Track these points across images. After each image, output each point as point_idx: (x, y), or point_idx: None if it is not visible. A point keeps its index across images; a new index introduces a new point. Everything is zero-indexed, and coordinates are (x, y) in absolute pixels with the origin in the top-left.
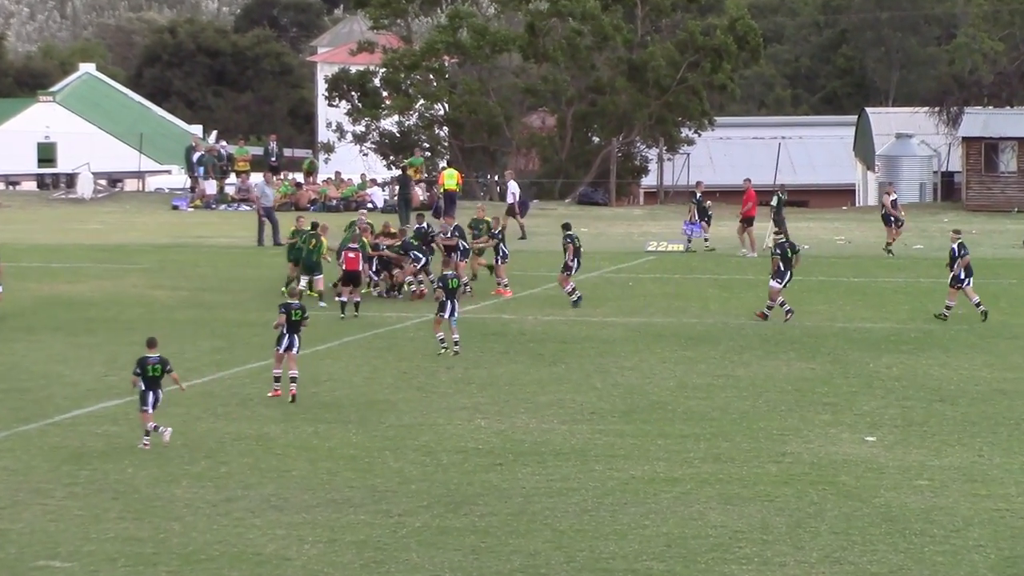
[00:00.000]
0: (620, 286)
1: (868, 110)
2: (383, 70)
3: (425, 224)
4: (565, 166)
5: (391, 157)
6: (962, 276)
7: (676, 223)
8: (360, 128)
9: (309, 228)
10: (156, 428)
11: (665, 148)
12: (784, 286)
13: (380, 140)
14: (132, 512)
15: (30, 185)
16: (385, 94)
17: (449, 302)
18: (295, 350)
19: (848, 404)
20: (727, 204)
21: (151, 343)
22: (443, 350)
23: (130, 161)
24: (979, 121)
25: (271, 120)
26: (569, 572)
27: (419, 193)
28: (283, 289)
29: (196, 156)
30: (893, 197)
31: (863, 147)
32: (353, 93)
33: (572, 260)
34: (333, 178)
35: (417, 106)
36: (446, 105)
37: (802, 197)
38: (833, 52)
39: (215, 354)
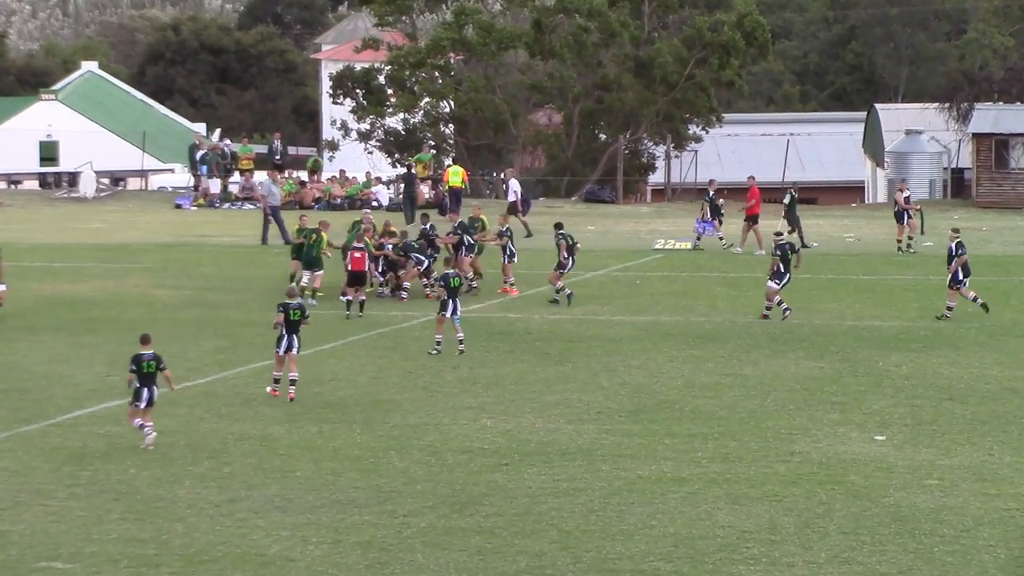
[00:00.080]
0: (627, 284)
1: (877, 106)
2: (388, 67)
3: (428, 225)
4: (571, 164)
5: (396, 155)
6: (960, 276)
7: (684, 221)
8: (365, 126)
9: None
10: (142, 427)
11: (672, 145)
12: (782, 287)
13: (385, 138)
14: (134, 513)
15: (32, 184)
16: (390, 91)
17: (451, 301)
18: (295, 351)
19: (857, 403)
20: (735, 202)
21: (145, 339)
22: (435, 351)
23: (133, 160)
24: (989, 117)
25: (275, 118)
26: (575, 573)
27: (424, 191)
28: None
29: (199, 155)
30: (906, 194)
31: (872, 144)
32: (358, 91)
33: (566, 258)
34: (338, 176)
35: (422, 104)
36: (451, 102)
37: (811, 194)
38: (842, 48)
39: (218, 354)
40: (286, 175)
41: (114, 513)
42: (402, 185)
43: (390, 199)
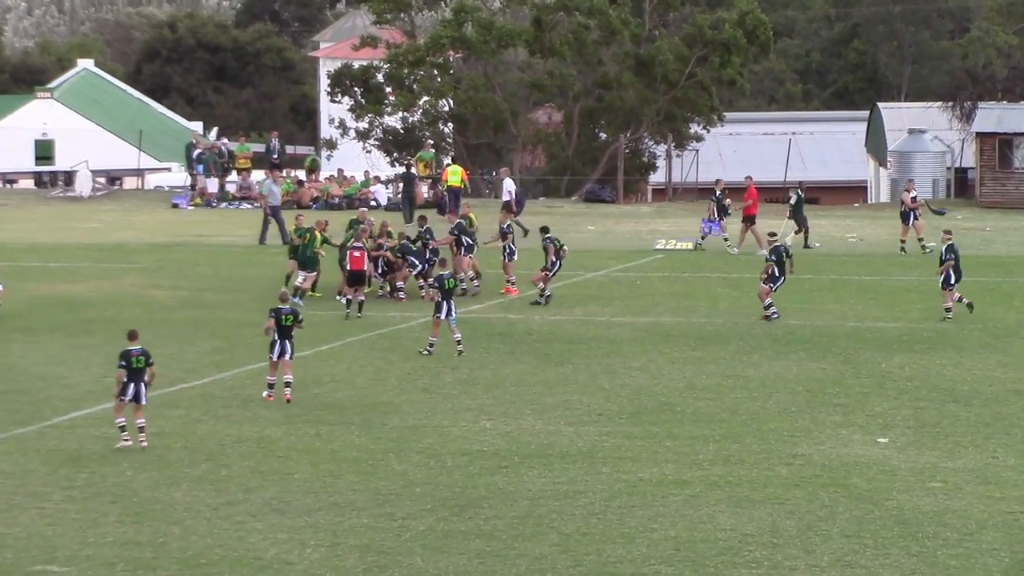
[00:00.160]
0: (628, 285)
1: (880, 105)
2: (386, 66)
3: (425, 228)
4: (572, 163)
5: (395, 154)
6: (952, 279)
7: (685, 221)
8: (363, 125)
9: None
10: (123, 428)
11: (673, 144)
12: (775, 289)
13: (384, 137)
14: (131, 516)
15: (27, 183)
16: (388, 90)
17: (445, 302)
18: (287, 356)
19: (860, 405)
20: (734, 202)
21: (132, 335)
22: (427, 351)
23: (129, 158)
24: (993, 116)
25: (272, 116)
26: None
27: (423, 190)
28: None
29: (195, 154)
30: (913, 194)
31: (875, 143)
32: (356, 89)
33: (553, 262)
34: (336, 175)
35: (421, 102)
36: (451, 101)
37: (813, 194)
38: (844, 46)
39: (215, 355)
40: (284, 174)
41: (111, 516)
42: (401, 184)
43: (388, 199)
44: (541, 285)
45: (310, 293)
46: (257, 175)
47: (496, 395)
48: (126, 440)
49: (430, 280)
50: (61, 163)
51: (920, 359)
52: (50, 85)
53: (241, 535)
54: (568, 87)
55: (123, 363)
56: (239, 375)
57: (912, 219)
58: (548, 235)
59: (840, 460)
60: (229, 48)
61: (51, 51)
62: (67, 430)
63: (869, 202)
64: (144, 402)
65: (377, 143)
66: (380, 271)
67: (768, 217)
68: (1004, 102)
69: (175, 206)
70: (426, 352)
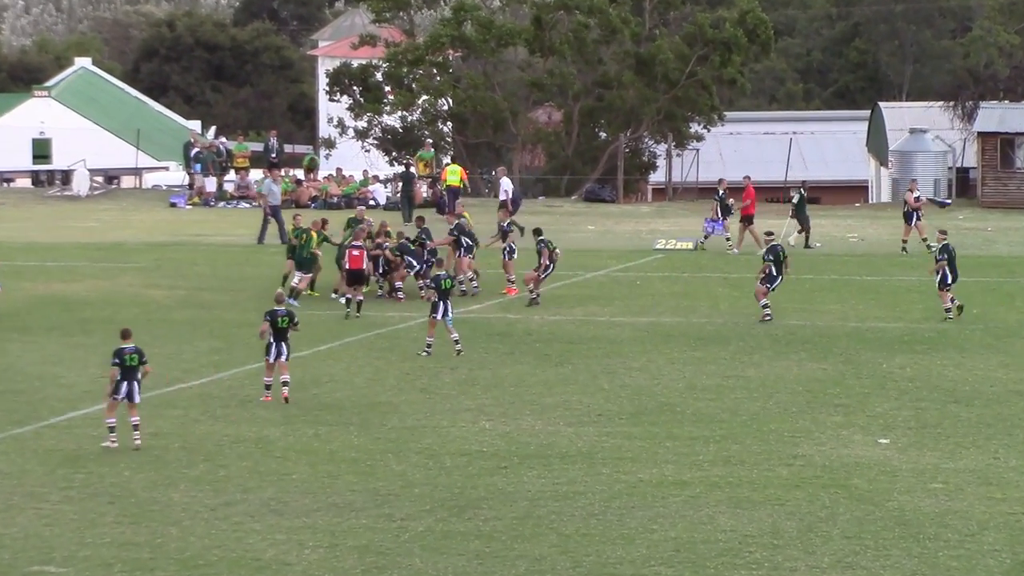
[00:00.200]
0: (628, 285)
1: (881, 105)
2: (385, 64)
3: (422, 229)
4: (571, 162)
5: (393, 153)
6: (948, 280)
7: (685, 220)
8: (362, 124)
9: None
10: (112, 428)
11: (674, 144)
12: (772, 289)
13: (382, 136)
14: (128, 516)
15: (25, 182)
16: (387, 89)
17: (442, 303)
18: (284, 358)
19: (861, 405)
20: (736, 201)
21: (125, 334)
22: (425, 352)
23: (127, 157)
24: (995, 116)
25: (271, 115)
26: None
27: (422, 190)
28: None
29: (193, 152)
30: (916, 194)
31: (876, 142)
32: (355, 88)
33: (548, 265)
34: (334, 175)
35: (420, 101)
36: (450, 100)
37: (814, 194)
38: (846, 46)
39: (213, 355)
40: (282, 174)
41: (108, 516)
42: (400, 184)
43: (387, 198)
44: (531, 286)
45: (308, 292)
46: (255, 174)
47: (495, 395)
48: (113, 442)
49: (427, 280)
50: (58, 162)
51: (921, 359)
52: (47, 84)
53: (239, 536)
54: (568, 86)
55: (116, 361)
56: (237, 375)
57: (915, 219)
58: (541, 238)
59: (841, 461)
60: (227, 47)
61: (48, 49)
62: (64, 430)
63: (870, 202)
64: (138, 400)
65: (376, 142)
66: (381, 271)
67: (769, 217)
68: (1006, 102)
69: (173, 205)
70: (424, 353)
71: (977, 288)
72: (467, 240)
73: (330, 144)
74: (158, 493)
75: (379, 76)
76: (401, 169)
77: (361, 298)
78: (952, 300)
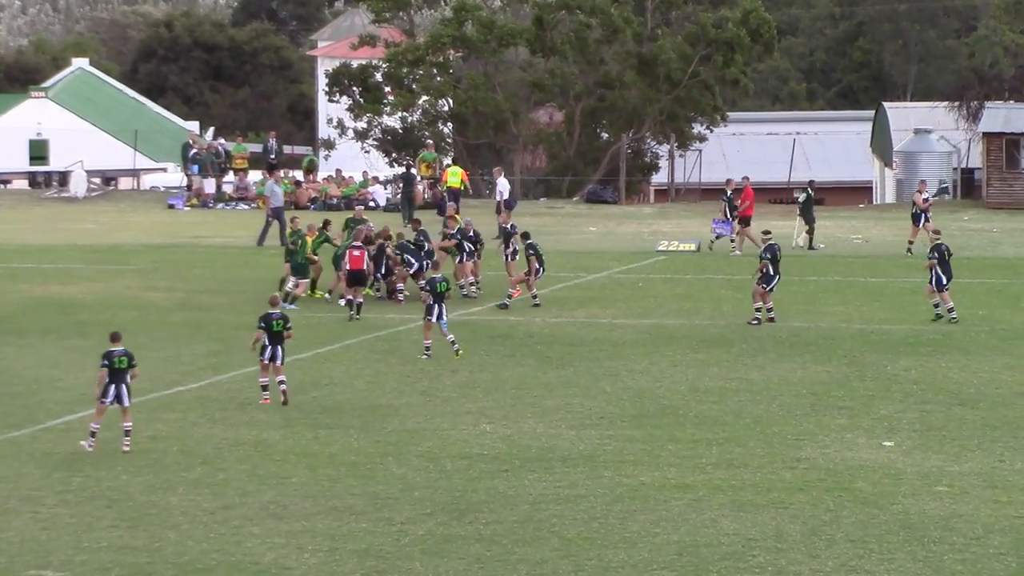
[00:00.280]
0: (630, 287)
1: (886, 105)
2: (385, 65)
3: (419, 231)
4: (573, 163)
5: (393, 154)
6: (944, 280)
7: (688, 222)
8: (362, 124)
9: (316, 228)
10: (94, 433)
11: (676, 144)
12: (770, 289)
13: (382, 137)
14: (126, 520)
15: (21, 183)
16: (387, 89)
17: (436, 305)
18: (279, 361)
19: (865, 408)
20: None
21: (115, 337)
22: (425, 356)
23: (125, 159)
24: (1000, 116)
25: (270, 116)
26: None
27: (422, 191)
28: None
29: (191, 154)
30: (925, 195)
31: (880, 143)
32: (354, 88)
33: (537, 269)
34: (334, 176)
35: (420, 102)
36: (450, 101)
37: (818, 195)
38: (849, 45)
39: (211, 357)
40: (281, 175)
41: (105, 520)
42: (400, 185)
43: (387, 199)
44: (511, 289)
45: (310, 294)
46: (254, 175)
47: (496, 398)
48: (90, 446)
49: (422, 282)
50: (56, 163)
51: (926, 361)
52: (44, 84)
53: (238, 540)
54: (569, 86)
55: (105, 363)
56: (236, 378)
57: (923, 220)
58: (529, 242)
59: (845, 464)
60: (226, 47)
61: (46, 50)
62: (61, 433)
63: (874, 203)
64: (127, 404)
65: (376, 143)
66: (382, 272)
67: (773, 218)
68: (1011, 102)
69: (171, 207)
70: (424, 356)
71: (982, 290)
72: (469, 245)
73: (329, 145)
74: (156, 497)
75: (379, 76)
76: (401, 170)
77: (361, 300)
78: (936, 306)
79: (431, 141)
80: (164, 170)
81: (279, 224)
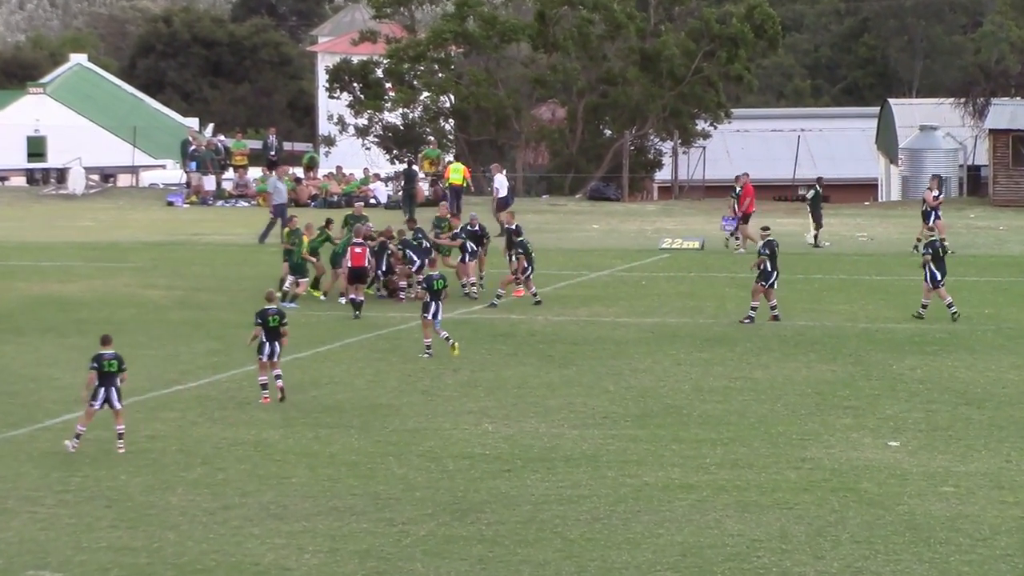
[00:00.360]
0: (633, 285)
1: (891, 101)
2: (386, 61)
3: (416, 231)
4: (576, 160)
5: (394, 151)
6: (938, 277)
7: (691, 219)
8: (362, 121)
9: (317, 228)
10: (79, 435)
11: (680, 141)
12: (769, 286)
13: (383, 133)
14: (125, 520)
15: (19, 180)
16: (388, 85)
17: (433, 303)
18: (276, 356)
19: (870, 408)
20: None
21: (106, 340)
22: (427, 355)
23: (123, 155)
24: (1006, 113)
25: (269, 113)
26: None
27: (424, 188)
28: (283, 289)
29: (189, 151)
30: (936, 192)
31: (886, 140)
32: (355, 84)
33: (526, 267)
34: (335, 173)
35: (422, 98)
36: (452, 97)
37: (823, 192)
38: (854, 41)
39: (211, 356)
40: (285, 171)
41: (104, 520)
42: (402, 182)
43: (388, 196)
44: (502, 290)
45: (310, 291)
46: (254, 172)
47: (498, 397)
48: (74, 447)
49: (419, 280)
50: (54, 160)
51: (932, 361)
52: (42, 80)
53: (238, 540)
54: (572, 82)
55: (94, 365)
56: (235, 377)
57: (933, 218)
58: (520, 239)
59: (850, 464)
60: (225, 43)
61: (43, 45)
62: (60, 433)
63: (880, 200)
64: (118, 407)
65: (376, 140)
66: (384, 270)
67: (778, 215)
68: (1018, 98)
69: (170, 204)
70: (425, 355)
71: (989, 288)
72: (472, 245)
73: (330, 142)
74: (155, 497)
75: (380, 72)
76: (403, 167)
77: (362, 298)
78: (924, 306)
79: (432, 138)
80: (163, 167)
81: (282, 222)
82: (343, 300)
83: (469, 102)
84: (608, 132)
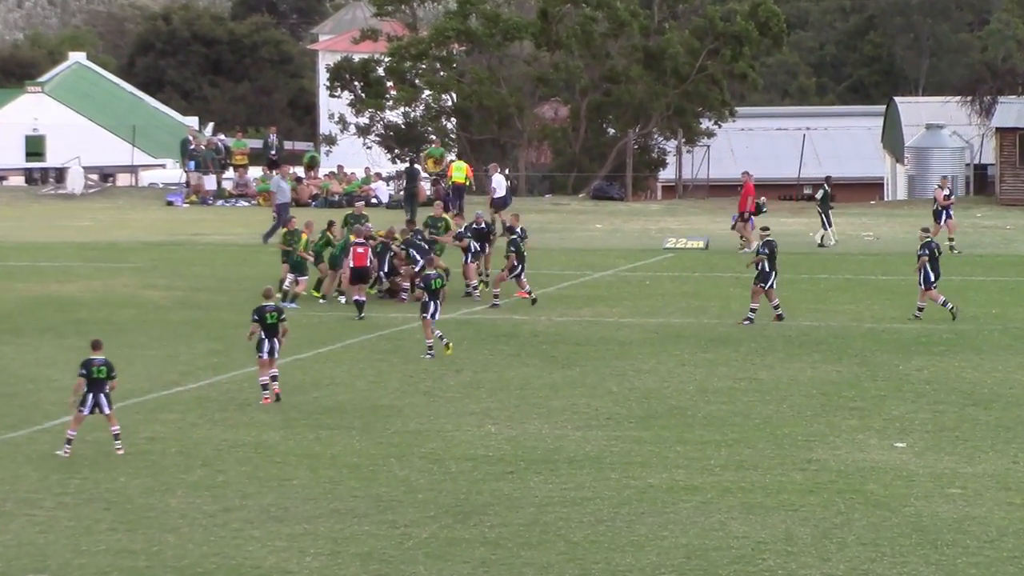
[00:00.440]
0: (637, 285)
1: (897, 100)
2: (388, 59)
3: (414, 231)
4: (579, 159)
5: (396, 150)
6: (931, 279)
7: (696, 218)
8: (364, 120)
9: (320, 230)
10: (70, 440)
11: (684, 140)
12: (768, 287)
13: (385, 132)
14: (125, 523)
15: (18, 180)
16: (390, 84)
17: (432, 302)
18: (276, 355)
19: (876, 408)
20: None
21: (96, 345)
22: (429, 355)
23: (122, 155)
24: (1013, 111)
25: (270, 111)
26: None
27: (426, 188)
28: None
29: (189, 149)
30: (946, 191)
31: (892, 138)
32: (356, 83)
33: (515, 265)
34: (336, 172)
35: (424, 96)
36: (454, 95)
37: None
38: (860, 39)
39: (211, 357)
40: (291, 170)
41: (104, 523)
42: (404, 181)
43: (390, 196)
44: (496, 289)
45: (312, 293)
46: (254, 172)
47: (501, 398)
48: (66, 453)
49: (417, 280)
50: (52, 159)
51: (939, 361)
52: (41, 79)
53: (238, 543)
54: (575, 81)
55: (83, 372)
56: (236, 378)
57: (945, 217)
58: (512, 238)
59: (856, 465)
60: (225, 41)
61: (42, 44)
62: (59, 434)
63: (885, 199)
64: (108, 411)
65: (378, 139)
66: (386, 271)
67: (783, 214)
68: None
69: (170, 204)
70: (427, 356)
71: (995, 288)
72: (475, 244)
73: (331, 141)
74: (155, 499)
75: (381, 71)
76: (405, 166)
77: (363, 298)
78: (920, 309)
79: (434, 137)
80: (163, 166)
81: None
82: (342, 299)
83: (471, 101)
84: (611, 131)
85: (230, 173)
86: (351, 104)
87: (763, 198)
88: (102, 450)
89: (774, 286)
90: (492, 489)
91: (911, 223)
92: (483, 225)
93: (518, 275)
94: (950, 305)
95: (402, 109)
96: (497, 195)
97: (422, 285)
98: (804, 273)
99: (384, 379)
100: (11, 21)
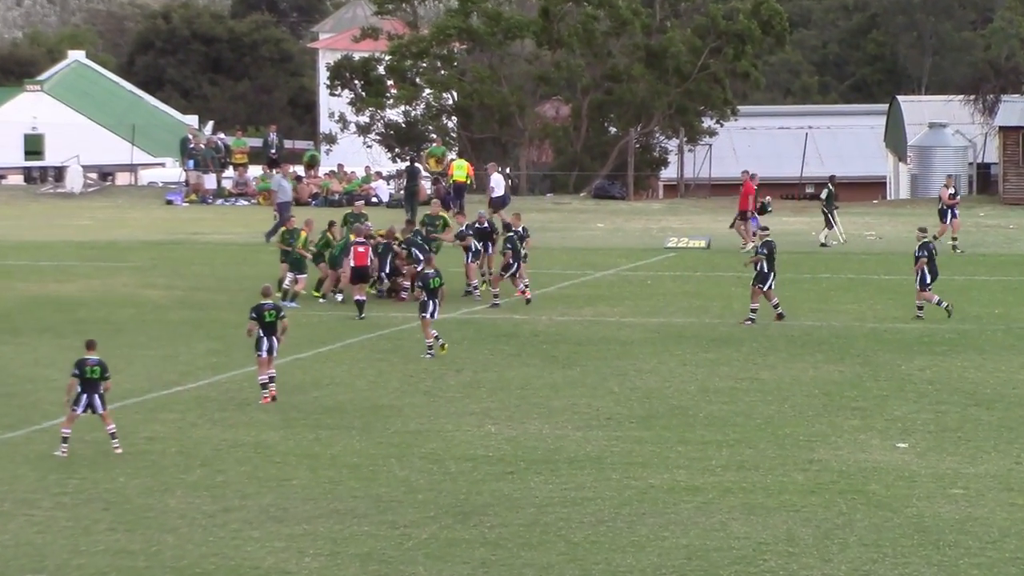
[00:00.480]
0: (638, 284)
1: (900, 98)
2: (388, 57)
3: (414, 231)
4: (580, 158)
5: (396, 149)
6: (928, 279)
7: (697, 218)
8: (364, 119)
9: (321, 230)
10: (65, 439)
11: (686, 139)
12: (767, 287)
13: (385, 131)
14: (123, 523)
15: (17, 179)
16: (390, 82)
17: (430, 302)
18: (274, 353)
19: (878, 409)
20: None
21: (90, 345)
22: (428, 354)
23: (122, 153)
24: (1017, 109)
25: (270, 110)
26: None
27: (426, 187)
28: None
29: (189, 148)
30: (951, 190)
31: (894, 137)
32: (356, 81)
33: (511, 263)
34: (336, 171)
35: (424, 95)
36: (455, 94)
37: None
38: (863, 37)
39: (211, 356)
40: (291, 169)
41: (102, 523)
42: (404, 180)
43: (390, 195)
44: (495, 288)
45: (312, 293)
46: (254, 170)
47: (501, 398)
48: (63, 452)
49: (416, 280)
50: (51, 158)
51: (941, 361)
52: (40, 77)
53: (238, 543)
54: (576, 79)
55: (76, 372)
56: (235, 377)
57: (950, 216)
58: (509, 235)
59: (858, 466)
60: (225, 39)
61: (41, 42)
62: (57, 434)
63: (888, 198)
64: (102, 411)
65: (378, 138)
66: (387, 271)
67: (784, 214)
68: None
69: (169, 203)
70: (427, 356)
71: (999, 287)
72: (477, 244)
73: (331, 140)
74: (154, 499)
75: (381, 69)
76: (405, 165)
77: (364, 298)
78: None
79: (435, 136)
80: (162, 165)
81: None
82: (339, 298)
83: (472, 99)
84: (613, 130)
85: (230, 172)
86: (351, 103)
87: (767, 198)
88: (101, 450)
89: (772, 287)
90: (492, 489)
91: (914, 222)
92: (486, 224)
93: (513, 273)
94: (944, 304)
95: (402, 108)
96: (495, 194)
97: (420, 284)
98: (806, 273)
99: (384, 379)
100: (10, 19)
